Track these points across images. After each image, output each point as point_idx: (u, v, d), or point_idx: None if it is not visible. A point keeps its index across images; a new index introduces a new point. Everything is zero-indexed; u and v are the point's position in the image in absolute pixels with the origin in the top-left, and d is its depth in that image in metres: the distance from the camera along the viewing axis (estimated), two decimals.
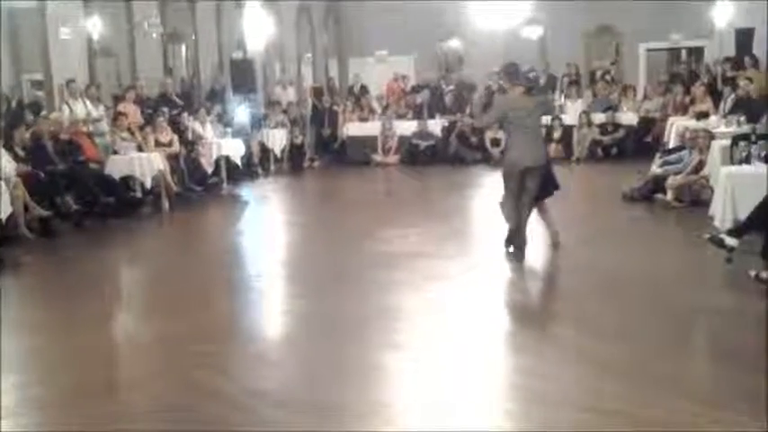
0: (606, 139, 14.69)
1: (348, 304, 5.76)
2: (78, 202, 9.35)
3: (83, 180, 9.55)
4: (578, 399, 3.85)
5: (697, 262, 6.63)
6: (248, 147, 13.64)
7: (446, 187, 12.72)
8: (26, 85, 11.85)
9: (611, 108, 15.13)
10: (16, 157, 8.89)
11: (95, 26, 12.06)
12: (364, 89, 17.59)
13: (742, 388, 3.86)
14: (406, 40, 18.53)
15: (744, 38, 14.62)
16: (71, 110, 10.56)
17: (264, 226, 10.03)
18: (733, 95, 12.04)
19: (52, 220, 8.72)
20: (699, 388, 4.00)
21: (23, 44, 11.66)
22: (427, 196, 12.26)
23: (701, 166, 9.05)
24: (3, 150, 8.67)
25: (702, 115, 12.49)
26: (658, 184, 9.38)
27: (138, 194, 10.42)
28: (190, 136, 12.35)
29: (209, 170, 12.37)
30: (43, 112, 10.36)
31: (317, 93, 16.98)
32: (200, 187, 11.87)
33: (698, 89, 13.79)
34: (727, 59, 14.49)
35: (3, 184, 8.05)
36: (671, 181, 9.18)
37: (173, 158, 11.28)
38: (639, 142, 14.57)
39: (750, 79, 11.95)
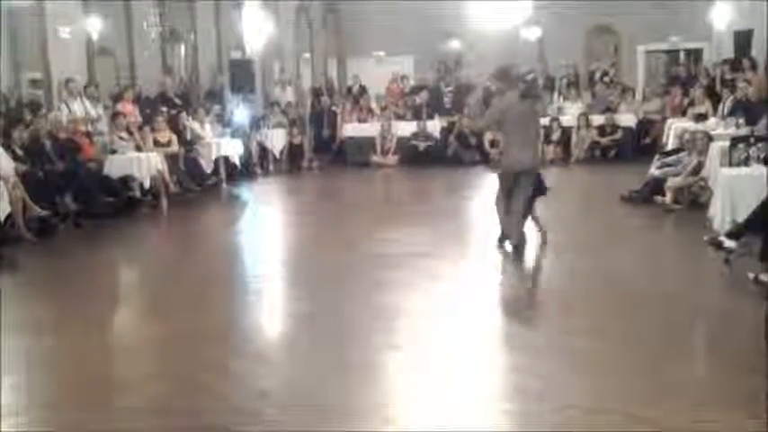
0: (605, 140, 14.71)
1: (347, 304, 5.76)
2: (77, 201, 9.35)
3: (81, 180, 9.54)
4: (577, 399, 3.85)
5: (696, 264, 6.64)
6: (247, 147, 13.65)
7: (445, 188, 12.72)
8: (25, 84, 11.83)
9: (610, 110, 15.16)
10: (15, 157, 8.88)
11: (94, 25, 12.05)
12: (363, 90, 17.58)
13: (741, 389, 3.87)
14: (405, 41, 18.54)
15: (743, 40, 14.64)
16: (70, 109, 10.54)
17: (263, 226, 10.03)
18: (732, 98, 12.05)
19: (51, 219, 8.70)
20: (698, 389, 4.01)
21: (22, 43, 11.63)
22: (426, 197, 12.26)
23: (699, 168, 9.06)
24: (1, 149, 8.65)
25: (701, 117, 12.52)
26: (657, 185, 9.39)
27: (137, 194, 10.41)
28: (188, 136, 12.35)
29: (208, 170, 12.38)
30: (42, 112, 10.33)
31: (317, 93, 16.98)
32: (199, 187, 11.88)
33: (697, 91, 13.81)
34: (726, 61, 14.50)
35: (1, 183, 8.05)
36: (669, 183, 9.19)
37: (171, 158, 11.28)
38: (638, 144, 14.59)
39: (748, 81, 11.96)
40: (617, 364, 4.31)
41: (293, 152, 15.30)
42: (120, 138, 10.64)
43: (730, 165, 8.02)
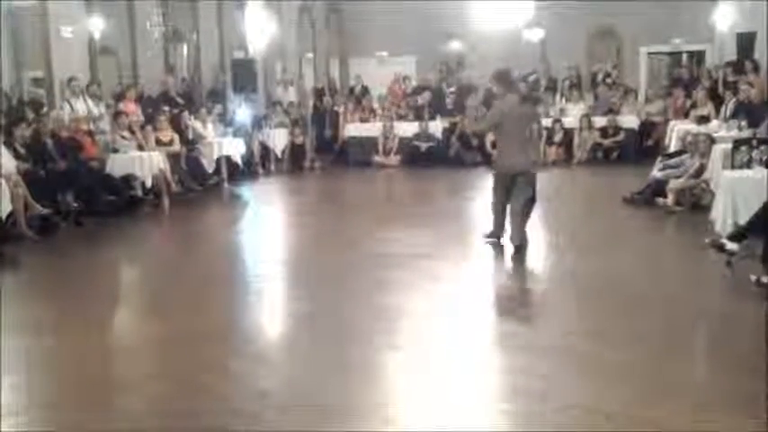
0: (607, 142, 14.69)
1: (348, 305, 5.76)
2: (78, 200, 9.36)
3: (83, 178, 9.55)
4: (579, 400, 3.84)
5: (697, 266, 6.63)
6: (249, 146, 13.65)
7: (447, 189, 12.71)
8: (27, 82, 11.83)
9: (612, 111, 15.15)
10: (17, 155, 8.88)
11: (97, 24, 12.05)
12: (365, 90, 17.59)
13: (742, 391, 3.87)
14: (408, 42, 18.55)
15: (745, 42, 14.62)
16: (72, 108, 10.54)
17: (264, 226, 10.02)
18: (734, 100, 12.03)
19: (52, 218, 8.71)
20: (699, 390, 4.00)
21: (25, 42, 11.64)
22: (428, 198, 12.25)
23: (701, 170, 9.05)
24: (3, 148, 8.66)
25: (703, 119, 12.50)
26: (659, 187, 9.39)
27: (139, 193, 10.41)
28: (191, 135, 12.36)
29: (210, 170, 12.40)
30: (44, 110, 10.35)
31: (319, 94, 16.98)
32: (201, 187, 11.89)
33: (699, 93, 13.80)
34: (729, 63, 14.48)
35: (3, 181, 8.05)
36: (671, 185, 9.18)
37: (173, 158, 11.29)
38: (640, 146, 14.58)
39: (751, 84, 11.95)
40: (618, 366, 4.30)
41: (295, 152, 15.29)
42: (123, 137, 10.64)
43: (732, 167, 8.01)
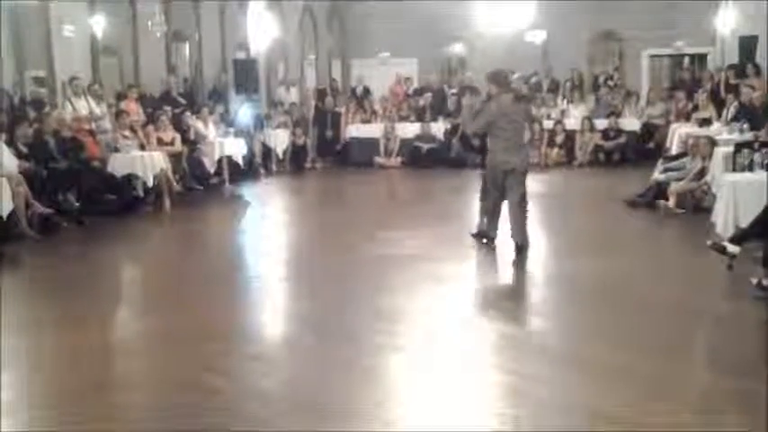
0: (608, 144, 14.69)
1: (349, 305, 5.76)
2: (80, 199, 9.36)
3: (85, 178, 9.56)
4: (577, 404, 3.84)
5: (698, 269, 6.62)
6: (250, 147, 13.65)
7: (448, 190, 12.70)
8: (29, 81, 11.83)
9: (614, 113, 15.15)
10: (18, 154, 8.89)
11: (99, 24, 12.05)
12: (367, 91, 17.59)
13: (742, 394, 3.87)
14: (410, 43, 18.53)
15: (747, 45, 14.61)
16: (74, 107, 10.55)
17: (266, 226, 10.02)
18: (736, 103, 12.04)
19: (53, 217, 8.71)
20: (699, 394, 4.00)
21: (27, 41, 11.64)
22: (429, 199, 12.25)
23: (703, 172, 9.05)
24: (5, 147, 8.66)
25: (705, 122, 12.51)
26: (660, 190, 9.38)
27: (140, 193, 10.42)
28: (192, 135, 12.35)
29: (212, 170, 12.41)
30: (46, 110, 10.35)
31: (321, 94, 16.98)
32: (202, 186, 11.89)
33: (701, 96, 13.80)
34: (731, 67, 14.48)
35: (5, 180, 8.06)
36: (673, 187, 9.18)
37: (175, 157, 11.29)
38: (642, 148, 14.59)
39: (753, 87, 11.95)
40: (619, 368, 4.29)
41: (296, 153, 15.31)
42: (124, 136, 10.64)
43: (734, 170, 8.01)
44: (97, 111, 10.95)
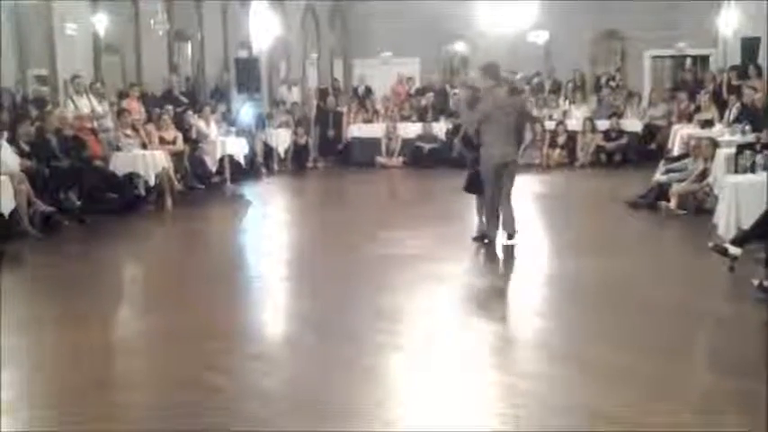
0: (610, 145, 14.68)
1: (350, 305, 5.76)
2: (82, 198, 9.36)
3: (87, 176, 9.56)
4: (577, 404, 3.84)
5: (700, 270, 6.61)
6: (252, 146, 13.65)
7: (449, 190, 12.65)
8: (31, 80, 11.84)
9: (616, 114, 15.14)
10: (20, 153, 8.89)
11: (101, 23, 12.07)
12: (369, 91, 17.59)
13: (743, 395, 3.87)
14: (412, 43, 18.51)
15: (749, 47, 14.60)
16: (76, 106, 10.55)
17: (267, 226, 10.02)
18: (738, 104, 12.03)
19: (55, 215, 8.72)
20: (700, 394, 4.00)
21: (29, 39, 11.65)
22: (430, 199, 12.25)
23: (704, 174, 9.04)
24: (7, 145, 8.67)
25: (707, 123, 12.49)
26: (662, 191, 9.37)
27: (142, 192, 10.42)
28: (194, 134, 12.36)
29: (213, 169, 12.41)
30: (48, 108, 10.35)
31: (323, 94, 16.98)
32: (203, 185, 11.89)
33: (703, 97, 13.79)
34: (733, 68, 14.48)
35: (6, 179, 8.06)
36: (675, 188, 9.17)
37: (177, 156, 11.29)
38: (643, 149, 14.57)
39: (755, 88, 11.94)
40: (619, 368, 4.29)
41: (298, 152, 15.31)
42: (126, 135, 10.65)
43: (736, 171, 8.01)
44: (99, 109, 10.96)
